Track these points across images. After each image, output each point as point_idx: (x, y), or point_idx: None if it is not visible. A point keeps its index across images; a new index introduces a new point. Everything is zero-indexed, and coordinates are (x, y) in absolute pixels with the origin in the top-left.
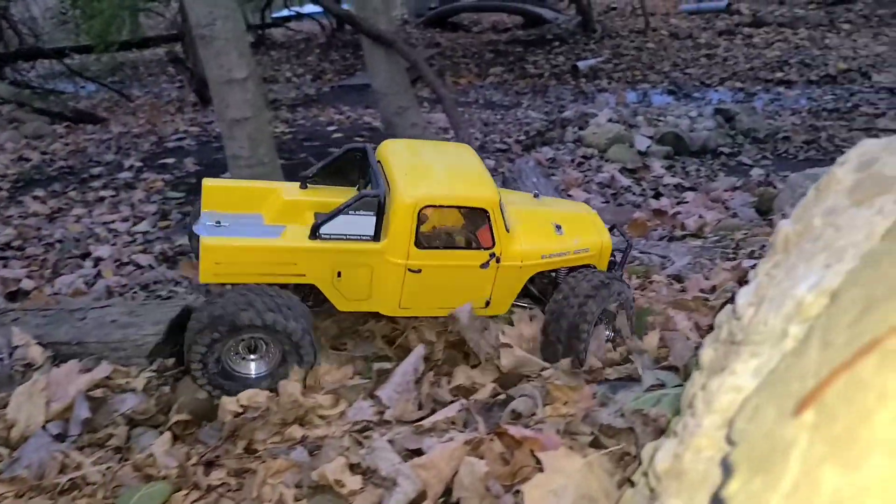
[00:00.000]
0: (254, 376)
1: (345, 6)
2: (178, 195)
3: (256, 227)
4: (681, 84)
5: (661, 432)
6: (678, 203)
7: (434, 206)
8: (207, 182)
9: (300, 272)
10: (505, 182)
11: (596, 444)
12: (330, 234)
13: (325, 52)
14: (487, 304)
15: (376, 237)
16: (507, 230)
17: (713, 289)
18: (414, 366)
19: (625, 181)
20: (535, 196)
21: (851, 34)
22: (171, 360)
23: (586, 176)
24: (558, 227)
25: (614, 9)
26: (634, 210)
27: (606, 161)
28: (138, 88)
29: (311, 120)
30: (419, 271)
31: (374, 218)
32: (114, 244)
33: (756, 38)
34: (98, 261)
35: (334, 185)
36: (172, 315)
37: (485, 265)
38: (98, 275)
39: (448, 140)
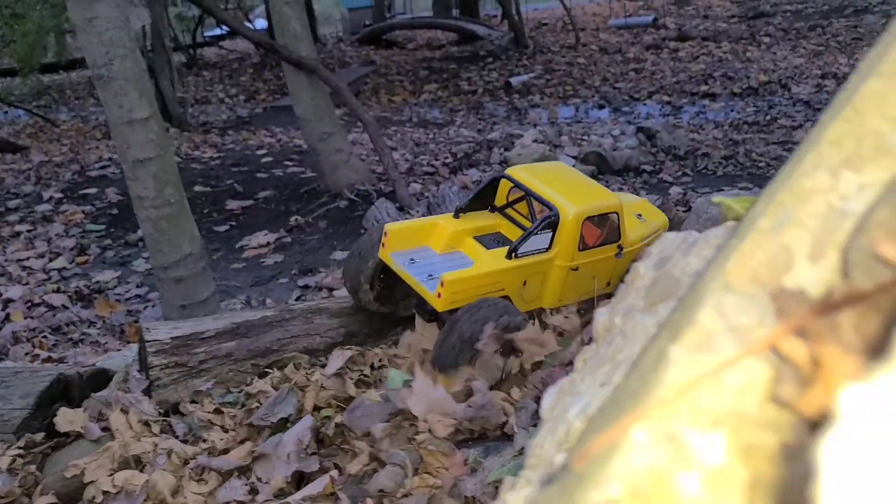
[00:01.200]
0: None
1: (258, 26)
2: (97, 228)
3: (435, 257)
4: (610, 98)
5: None
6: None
7: (589, 217)
8: (390, 226)
9: (501, 287)
10: (429, 207)
11: None
12: (522, 253)
13: (259, 71)
14: (609, 284)
15: (549, 249)
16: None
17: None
18: (299, 436)
19: None
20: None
21: (771, 47)
22: (39, 436)
23: None
24: (639, 216)
25: (546, 24)
26: None
27: None
28: (65, 113)
29: (240, 144)
30: (577, 269)
31: (551, 233)
32: (26, 284)
33: (682, 52)
34: (7, 303)
35: (477, 211)
36: (43, 386)
37: (618, 255)
38: (6, 318)
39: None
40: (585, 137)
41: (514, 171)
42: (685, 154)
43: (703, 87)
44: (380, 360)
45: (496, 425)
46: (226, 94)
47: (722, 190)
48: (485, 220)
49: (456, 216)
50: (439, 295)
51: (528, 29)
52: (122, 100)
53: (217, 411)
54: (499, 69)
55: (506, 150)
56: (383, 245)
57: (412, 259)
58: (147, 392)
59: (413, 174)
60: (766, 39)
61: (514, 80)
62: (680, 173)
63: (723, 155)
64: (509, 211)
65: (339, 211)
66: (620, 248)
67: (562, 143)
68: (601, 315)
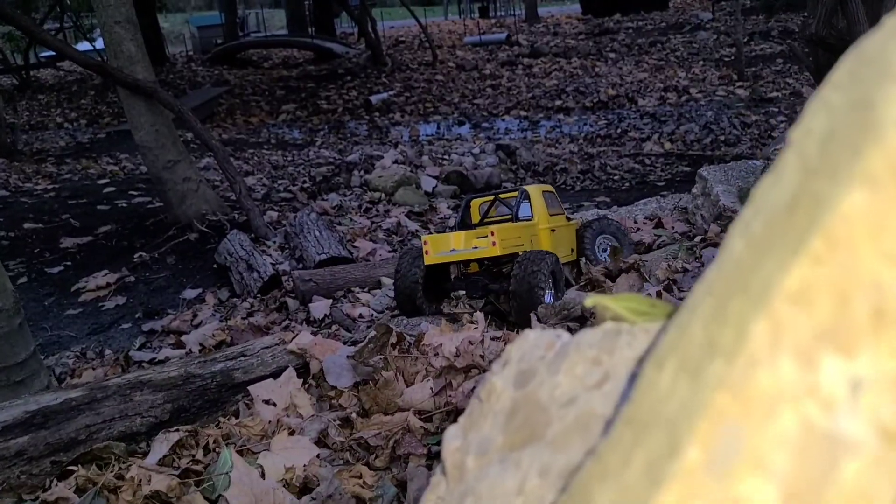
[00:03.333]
0: None
1: (99, 45)
2: None
3: (465, 249)
4: (470, 115)
5: None
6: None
7: (542, 192)
8: (427, 237)
9: (521, 243)
10: (286, 237)
11: None
12: (521, 217)
13: (102, 93)
14: (572, 251)
15: (532, 216)
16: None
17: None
18: None
19: (412, 225)
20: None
21: (617, 62)
22: None
23: (374, 223)
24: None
25: (403, 42)
26: None
27: (394, 205)
28: None
29: (79, 173)
30: (555, 230)
31: (528, 204)
32: None
33: (535, 68)
34: None
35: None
36: None
37: (569, 218)
38: None
39: None
40: (446, 157)
41: (476, 196)
42: (544, 170)
43: (558, 102)
44: (215, 441)
45: None
46: (65, 118)
47: (582, 206)
48: (476, 231)
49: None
50: (494, 244)
51: (386, 46)
52: None
53: None
54: (358, 87)
55: (366, 172)
56: (426, 252)
57: (453, 250)
58: None
59: (269, 201)
60: (612, 55)
61: (374, 99)
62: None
63: (580, 169)
64: (488, 222)
65: (189, 244)
66: (568, 217)
67: (423, 163)
68: (451, 439)
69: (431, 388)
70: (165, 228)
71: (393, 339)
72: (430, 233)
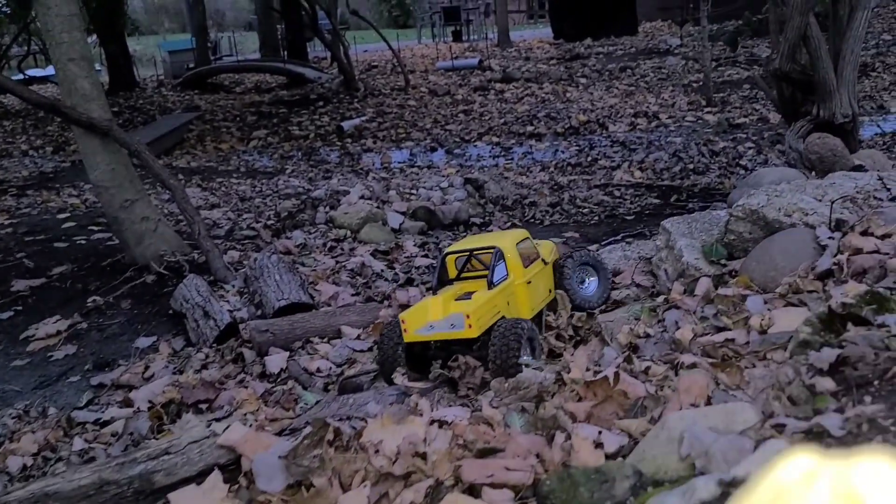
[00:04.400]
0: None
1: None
2: None
3: (443, 321)
4: (442, 140)
5: None
6: (428, 289)
7: (517, 243)
8: (403, 315)
9: (498, 311)
10: (246, 280)
11: None
12: (496, 281)
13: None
14: (550, 291)
15: (507, 274)
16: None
17: None
18: None
19: (377, 266)
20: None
21: (588, 87)
22: None
23: (338, 262)
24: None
25: (375, 67)
26: (380, 307)
27: (360, 243)
28: None
29: (39, 206)
30: (531, 282)
31: (503, 264)
32: None
33: (507, 94)
34: None
35: (444, 287)
36: None
37: (545, 262)
38: None
39: None
40: (414, 191)
41: (451, 249)
42: (513, 203)
43: (529, 128)
44: None
45: None
46: (30, 145)
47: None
48: (454, 289)
49: (434, 293)
50: (470, 326)
51: (359, 71)
52: None
53: None
54: (330, 113)
55: (332, 208)
56: (405, 331)
57: (431, 326)
58: None
59: (232, 238)
60: (583, 80)
61: (346, 125)
62: (509, 224)
63: (549, 202)
64: (465, 277)
65: (146, 287)
66: (544, 261)
67: (390, 198)
68: None
69: (368, 497)
70: (122, 270)
71: (329, 436)
72: (396, 273)
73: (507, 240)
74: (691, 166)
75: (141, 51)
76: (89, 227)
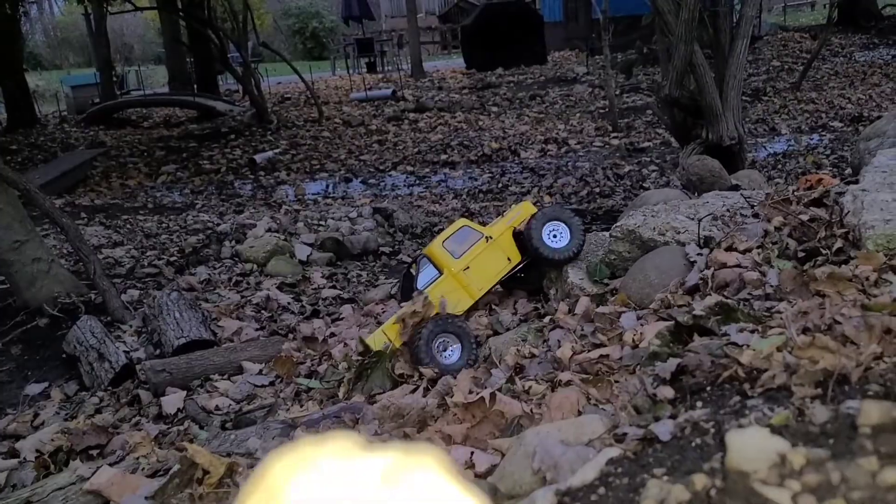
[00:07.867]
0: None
1: None
2: None
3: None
4: (357, 171)
5: None
6: (334, 320)
7: (443, 241)
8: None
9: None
10: (145, 320)
11: None
12: (423, 286)
13: None
14: (509, 259)
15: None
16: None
17: None
18: None
19: (283, 299)
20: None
21: (500, 115)
22: None
23: (244, 297)
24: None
25: (289, 99)
26: (283, 340)
27: (266, 276)
28: None
29: None
30: (468, 268)
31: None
32: None
33: (421, 123)
34: None
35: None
36: None
37: (488, 240)
38: None
39: None
40: (322, 222)
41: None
42: (422, 232)
43: (443, 156)
44: None
45: None
46: None
47: None
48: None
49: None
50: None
51: (272, 104)
52: None
53: None
54: (242, 146)
55: (237, 242)
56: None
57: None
58: None
59: (133, 276)
60: (495, 109)
61: (259, 157)
62: (418, 253)
63: None
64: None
65: (38, 331)
66: (488, 238)
67: (297, 230)
68: None
69: None
70: (13, 314)
71: (198, 474)
72: (303, 306)
73: (434, 243)
74: (598, 190)
75: (43, 86)
76: None
